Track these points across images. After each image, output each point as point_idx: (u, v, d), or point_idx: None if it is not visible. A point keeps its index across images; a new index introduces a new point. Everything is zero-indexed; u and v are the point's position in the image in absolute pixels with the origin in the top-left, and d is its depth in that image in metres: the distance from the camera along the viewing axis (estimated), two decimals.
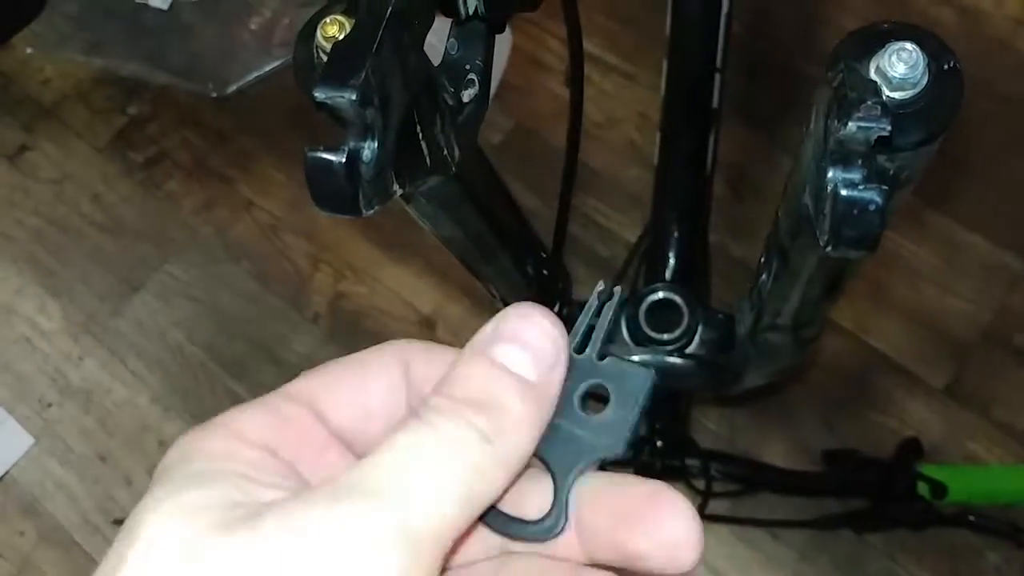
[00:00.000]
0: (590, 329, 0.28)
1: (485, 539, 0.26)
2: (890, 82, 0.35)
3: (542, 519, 0.25)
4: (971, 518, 1.01)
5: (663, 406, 1.00)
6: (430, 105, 0.41)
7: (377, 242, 1.26)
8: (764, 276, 0.59)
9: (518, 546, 0.26)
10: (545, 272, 0.70)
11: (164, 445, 1.19)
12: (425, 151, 0.42)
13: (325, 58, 0.41)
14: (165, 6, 1.41)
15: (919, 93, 0.35)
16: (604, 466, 0.27)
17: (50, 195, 1.36)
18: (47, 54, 1.44)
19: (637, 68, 1.30)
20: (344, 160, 0.35)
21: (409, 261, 1.25)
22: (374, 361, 0.28)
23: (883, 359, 1.12)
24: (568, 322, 0.73)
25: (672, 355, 0.85)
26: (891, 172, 0.35)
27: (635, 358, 0.85)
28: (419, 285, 1.24)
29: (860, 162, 0.34)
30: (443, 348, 0.28)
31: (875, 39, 0.35)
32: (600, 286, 0.29)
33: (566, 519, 0.25)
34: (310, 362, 1.20)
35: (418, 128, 0.40)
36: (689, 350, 0.85)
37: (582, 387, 0.26)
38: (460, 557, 0.26)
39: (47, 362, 1.27)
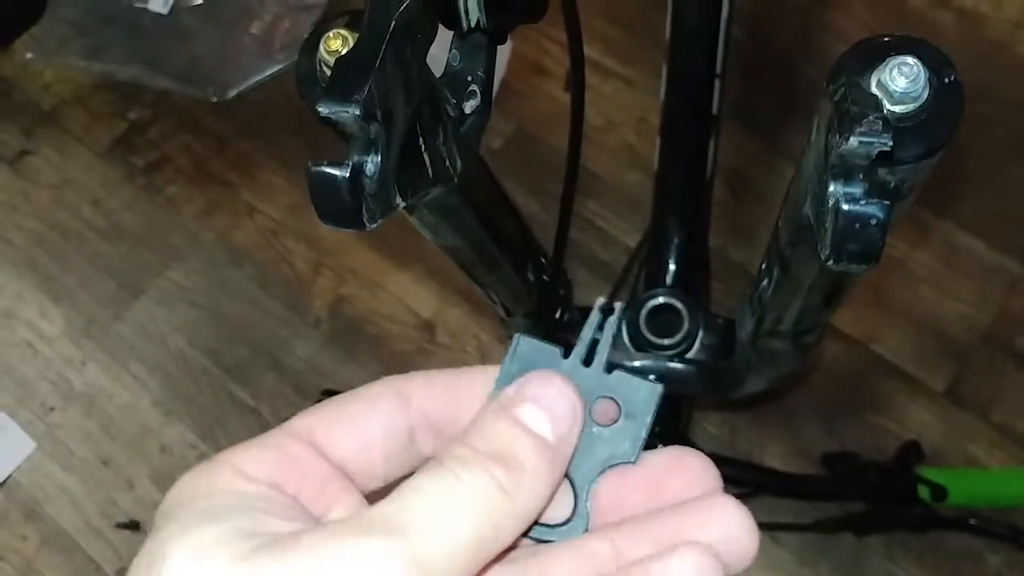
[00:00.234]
0: (594, 343, 0.29)
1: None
2: (891, 96, 0.35)
3: (564, 523, 0.27)
4: (972, 521, 1.01)
5: (664, 410, 1.00)
6: (432, 117, 0.41)
7: (378, 247, 1.26)
8: (764, 283, 0.59)
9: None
10: (546, 278, 0.70)
11: (166, 449, 1.20)
12: (427, 163, 0.42)
13: (328, 72, 0.41)
14: (165, 11, 1.41)
15: (920, 107, 0.35)
16: None
17: (51, 200, 1.36)
18: (47, 59, 1.44)
19: (636, 73, 1.30)
20: (348, 175, 0.35)
21: (409, 266, 1.25)
22: (370, 395, 0.28)
23: (883, 362, 1.12)
24: (570, 327, 0.73)
25: (673, 360, 0.85)
26: (892, 185, 0.35)
27: (636, 363, 0.85)
28: (419, 290, 1.24)
29: (861, 176, 0.34)
30: (439, 372, 0.29)
31: (876, 52, 0.36)
32: (601, 300, 0.30)
33: (587, 522, 0.27)
34: (311, 366, 1.21)
35: (421, 140, 0.41)
36: (690, 355, 0.85)
37: (593, 399, 0.28)
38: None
39: (49, 367, 1.27)
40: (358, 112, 0.34)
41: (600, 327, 0.29)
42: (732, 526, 0.26)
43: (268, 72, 1.37)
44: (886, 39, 0.36)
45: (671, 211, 0.94)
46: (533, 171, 1.25)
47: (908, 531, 1.02)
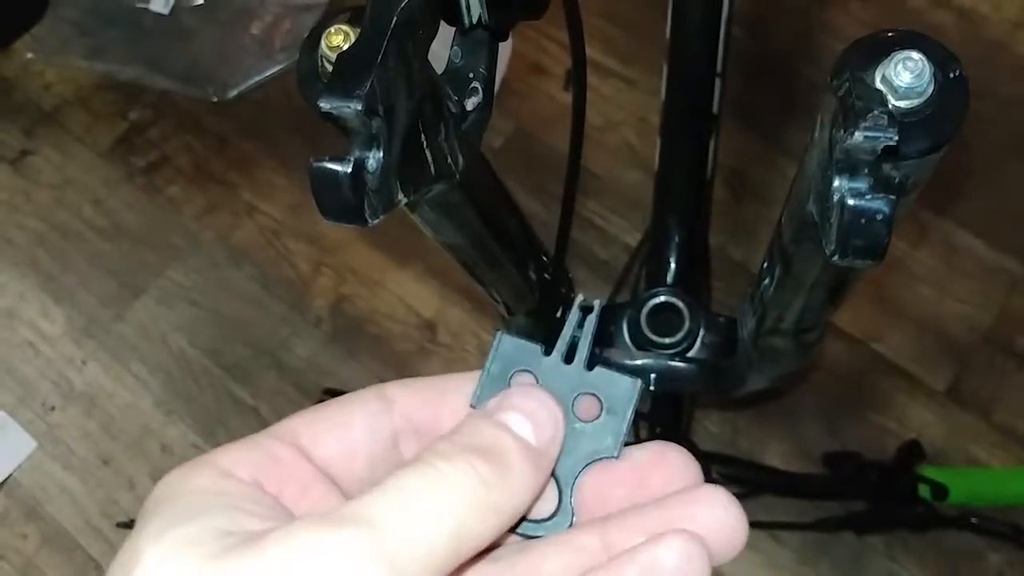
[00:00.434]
0: (575, 340, 0.29)
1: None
2: (896, 91, 0.35)
3: (550, 518, 0.27)
4: (973, 520, 1.01)
5: (664, 408, 1.01)
6: (434, 113, 0.41)
7: (378, 246, 1.26)
8: (767, 281, 0.59)
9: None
10: (547, 276, 0.70)
11: (166, 449, 1.20)
12: (429, 159, 0.42)
13: (330, 68, 0.41)
14: (166, 11, 1.41)
15: (925, 102, 0.35)
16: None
17: (51, 200, 1.37)
18: (48, 59, 1.44)
19: (636, 72, 1.30)
20: (350, 170, 0.35)
21: (410, 265, 1.25)
22: (354, 400, 0.29)
23: (884, 362, 1.12)
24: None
25: (674, 359, 0.85)
26: (896, 181, 0.35)
27: (637, 362, 0.85)
28: (420, 289, 1.24)
29: (866, 171, 0.34)
30: (423, 379, 0.30)
31: (880, 48, 0.35)
32: (580, 298, 0.30)
33: (572, 516, 0.27)
34: (312, 366, 1.21)
35: (422, 137, 0.41)
36: (691, 354, 0.85)
37: (574, 396, 0.28)
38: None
39: (50, 366, 1.27)
40: (360, 107, 0.34)
41: (580, 325, 0.29)
42: (719, 514, 0.26)
43: (268, 72, 1.37)
44: (890, 34, 0.36)
45: (672, 210, 0.94)
46: (532, 170, 1.25)
47: (909, 530, 1.02)
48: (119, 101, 1.41)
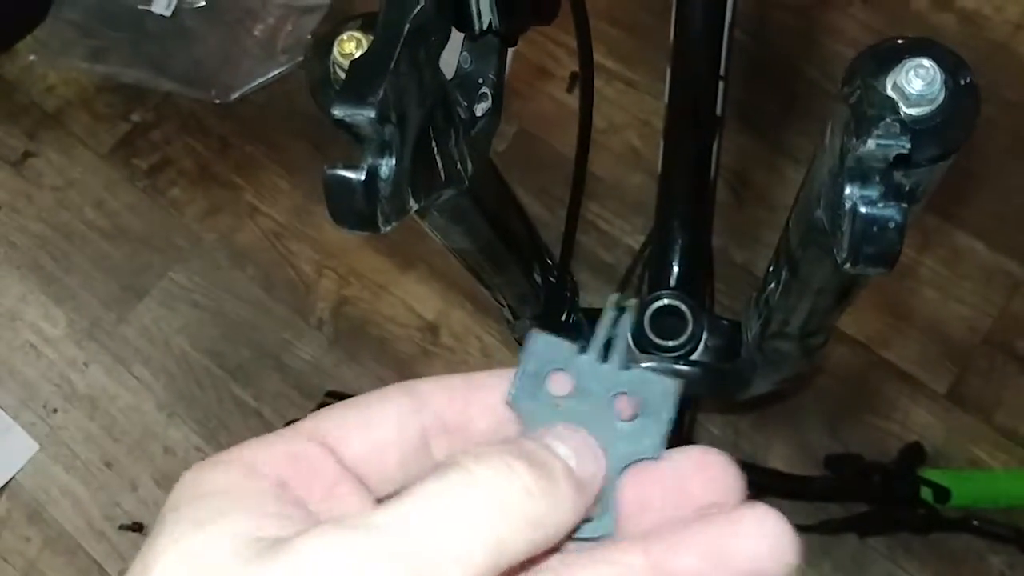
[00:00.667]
0: (609, 340, 0.28)
1: None
2: (907, 98, 0.35)
3: (592, 522, 0.26)
4: (974, 522, 1.01)
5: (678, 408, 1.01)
6: (445, 120, 0.42)
7: (381, 249, 1.26)
8: (772, 284, 0.59)
9: (572, 546, 0.26)
10: (552, 279, 0.71)
11: (169, 451, 1.20)
12: (440, 165, 0.42)
13: (342, 74, 0.41)
14: (168, 13, 1.41)
15: (936, 109, 0.35)
16: None
17: (54, 202, 1.37)
18: (50, 61, 1.44)
19: (639, 75, 1.30)
20: (363, 178, 0.35)
21: (413, 268, 1.25)
22: (384, 396, 0.28)
23: (886, 365, 1.12)
24: (578, 329, 0.73)
25: (677, 362, 0.85)
26: (907, 188, 0.36)
27: (643, 365, 0.85)
28: (423, 291, 1.24)
29: (878, 179, 0.34)
30: (455, 376, 0.28)
31: (891, 55, 0.36)
32: (615, 297, 0.29)
33: (614, 520, 0.26)
34: (314, 368, 1.21)
35: (433, 143, 0.41)
36: (694, 357, 0.85)
37: (611, 397, 0.27)
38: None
39: (52, 368, 1.27)
40: (373, 115, 0.34)
41: (614, 324, 0.28)
42: (774, 540, 0.24)
43: (271, 74, 1.37)
44: (900, 41, 0.36)
45: (675, 212, 0.94)
46: (535, 172, 1.25)
47: (911, 532, 1.02)
48: (121, 103, 1.41)
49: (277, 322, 1.25)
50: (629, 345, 0.28)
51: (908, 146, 0.33)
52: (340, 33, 0.41)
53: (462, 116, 0.44)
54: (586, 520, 0.26)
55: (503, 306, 0.73)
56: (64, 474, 1.21)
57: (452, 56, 0.44)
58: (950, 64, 0.36)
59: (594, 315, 0.88)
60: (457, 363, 1.20)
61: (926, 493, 0.99)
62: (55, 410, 1.25)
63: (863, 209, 0.34)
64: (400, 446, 0.27)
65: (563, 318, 0.76)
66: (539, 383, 0.28)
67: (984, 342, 1.12)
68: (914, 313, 1.14)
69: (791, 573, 0.24)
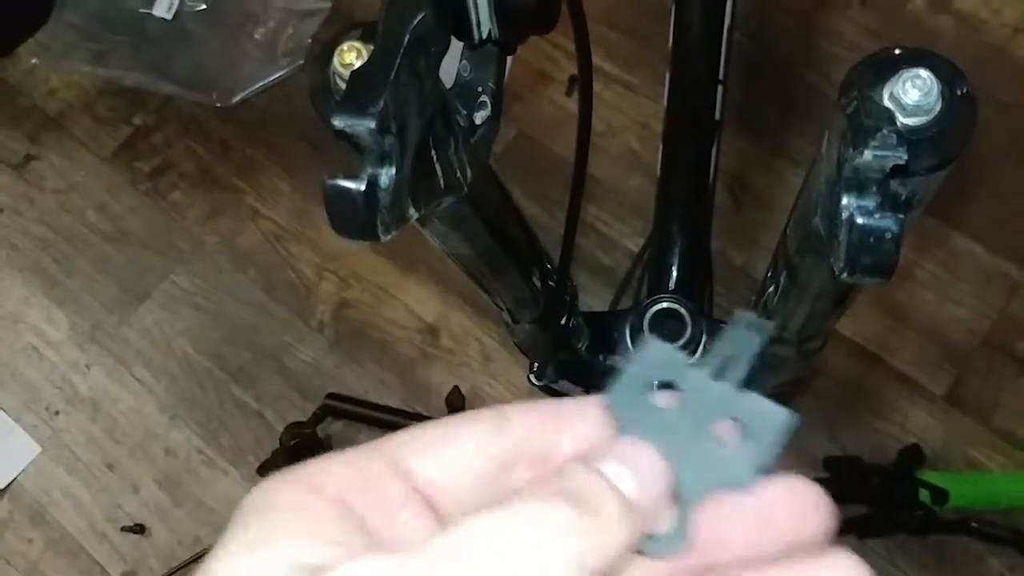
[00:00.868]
0: (728, 358, 0.26)
1: None
2: (904, 109, 0.35)
3: (665, 537, 0.24)
4: (973, 524, 1.01)
5: None
6: (444, 128, 0.42)
7: (381, 252, 1.27)
8: (771, 289, 0.60)
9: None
10: (551, 283, 0.71)
11: (170, 453, 1.20)
12: (439, 174, 0.42)
13: (342, 84, 0.42)
14: (169, 16, 1.42)
15: (933, 119, 0.35)
16: None
17: (56, 205, 1.37)
18: (52, 64, 1.45)
19: (637, 78, 1.31)
20: (363, 188, 0.35)
21: (413, 271, 1.25)
22: (467, 418, 0.27)
23: (884, 367, 1.13)
24: (577, 331, 0.73)
25: None
26: (904, 197, 0.36)
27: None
28: (422, 294, 1.24)
29: (875, 189, 0.34)
30: (546, 402, 0.27)
31: (888, 65, 0.36)
32: (745, 315, 0.27)
33: (688, 542, 0.24)
34: (315, 370, 1.21)
35: (433, 152, 0.41)
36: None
37: (718, 416, 0.25)
38: None
39: (54, 371, 1.27)
40: (374, 125, 0.35)
41: (739, 342, 0.26)
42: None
43: (272, 77, 1.37)
44: (897, 51, 0.36)
45: (674, 215, 0.95)
46: (534, 175, 1.26)
47: (909, 534, 1.02)
48: (123, 106, 1.42)
49: (278, 324, 1.26)
50: (752, 367, 0.26)
51: (905, 157, 0.33)
52: (340, 43, 0.42)
53: (461, 124, 0.44)
54: (661, 538, 0.24)
55: (503, 310, 0.74)
56: (66, 476, 1.22)
57: (451, 65, 0.45)
58: (947, 74, 0.36)
59: (593, 318, 0.88)
60: (457, 365, 1.20)
61: (924, 495, 0.99)
62: (57, 412, 1.25)
63: (860, 220, 0.34)
64: (477, 470, 0.26)
65: (562, 321, 0.77)
66: (642, 390, 0.26)
67: (982, 344, 1.13)
68: (912, 315, 1.15)
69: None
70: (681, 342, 0.86)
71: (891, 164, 0.34)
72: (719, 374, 0.25)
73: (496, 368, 1.20)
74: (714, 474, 0.25)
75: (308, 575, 0.22)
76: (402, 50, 0.36)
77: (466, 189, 0.46)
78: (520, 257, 0.65)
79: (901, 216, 0.35)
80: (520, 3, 0.42)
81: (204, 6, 1.42)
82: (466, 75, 0.46)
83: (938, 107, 0.35)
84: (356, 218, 0.36)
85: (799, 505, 0.24)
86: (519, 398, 1.18)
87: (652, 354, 0.26)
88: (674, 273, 0.92)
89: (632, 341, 0.87)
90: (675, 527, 0.24)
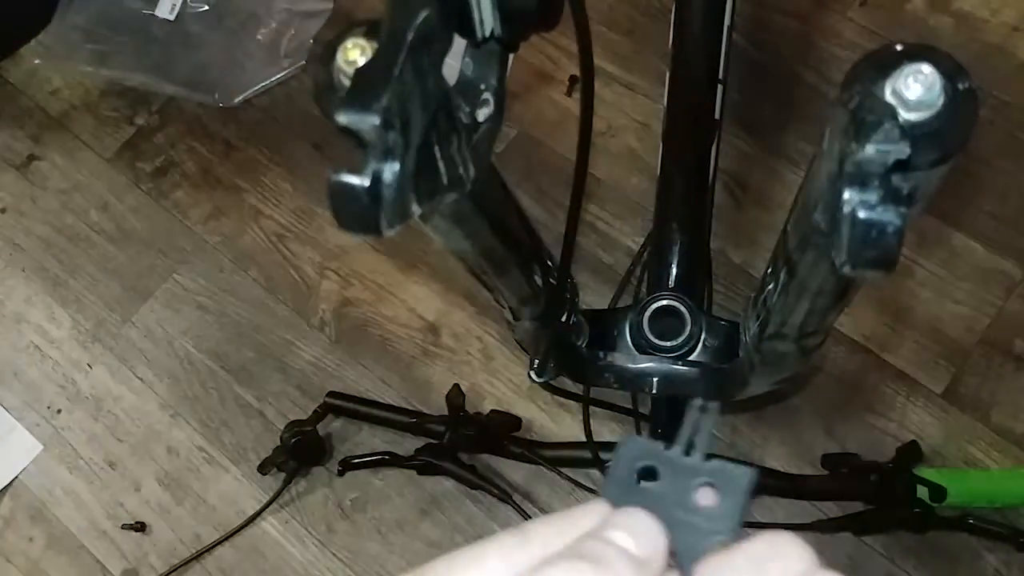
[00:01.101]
0: (693, 435, 0.32)
1: None
2: (906, 104, 0.35)
3: None
4: (970, 521, 1.02)
5: (665, 411, 1.02)
6: (447, 125, 0.42)
7: (382, 251, 1.27)
8: (771, 286, 0.60)
9: None
10: (552, 281, 0.71)
11: (172, 451, 1.21)
12: (442, 170, 0.43)
13: (346, 81, 0.42)
14: (172, 17, 1.42)
15: (935, 114, 0.35)
16: None
17: (59, 205, 1.38)
18: (55, 65, 1.45)
19: (637, 78, 1.31)
20: (368, 183, 0.35)
21: (414, 269, 1.26)
22: (490, 537, 0.29)
23: (882, 364, 1.13)
24: (577, 329, 0.74)
25: (676, 362, 0.86)
26: (906, 192, 0.36)
27: (639, 365, 0.86)
28: (423, 293, 1.25)
29: (877, 183, 0.34)
30: (559, 513, 0.30)
31: (890, 61, 0.36)
32: (697, 403, 0.32)
33: None
34: (316, 369, 1.22)
35: (436, 148, 0.42)
36: (692, 357, 0.86)
37: (694, 484, 0.30)
38: None
39: (56, 369, 1.28)
40: (378, 121, 0.35)
41: (697, 423, 0.32)
42: None
43: (274, 78, 1.38)
44: (899, 47, 0.36)
45: (673, 214, 0.95)
46: (535, 174, 1.26)
47: (907, 531, 1.03)
48: (126, 106, 1.42)
49: (279, 323, 1.26)
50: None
51: (907, 151, 0.34)
52: (344, 40, 0.42)
53: (464, 121, 0.45)
54: None
55: (504, 307, 0.74)
56: (67, 474, 1.22)
57: (455, 62, 0.45)
58: (949, 69, 0.36)
59: (593, 316, 0.89)
60: (458, 363, 1.21)
61: (922, 492, 1.00)
62: (59, 411, 1.26)
63: (862, 213, 0.35)
64: None
65: (563, 319, 0.77)
66: (630, 479, 0.31)
67: (981, 342, 1.13)
68: (911, 313, 1.15)
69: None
70: (681, 339, 0.86)
71: (893, 158, 0.34)
72: (688, 450, 0.31)
73: (497, 366, 1.20)
74: (702, 532, 0.29)
75: None
76: (406, 47, 0.37)
77: (469, 186, 0.46)
78: (521, 255, 0.65)
79: (903, 209, 0.35)
80: (523, 1, 0.42)
81: (207, 7, 1.42)
82: (469, 73, 0.46)
83: (940, 102, 0.36)
84: (360, 213, 0.36)
85: (783, 555, 0.28)
86: (520, 396, 1.18)
87: (631, 448, 0.31)
88: (674, 271, 0.92)
89: (631, 338, 0.88)
90: None
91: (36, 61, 1.46)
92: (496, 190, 0.56)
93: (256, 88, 1.38)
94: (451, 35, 0.41)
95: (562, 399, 1.08)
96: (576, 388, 0.98)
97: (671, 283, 0.91)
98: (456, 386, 1.11)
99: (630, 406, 1.01)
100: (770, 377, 0.78)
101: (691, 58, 0.95)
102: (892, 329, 1.15)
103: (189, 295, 1.29)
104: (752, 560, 0.28)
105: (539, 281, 0.70)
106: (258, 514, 1.15)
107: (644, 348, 0.87)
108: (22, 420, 1.26)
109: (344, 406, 1.16)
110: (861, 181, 0.35)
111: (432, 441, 1.10)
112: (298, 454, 1.13)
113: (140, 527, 1.18)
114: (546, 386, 0.85)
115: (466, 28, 0.43)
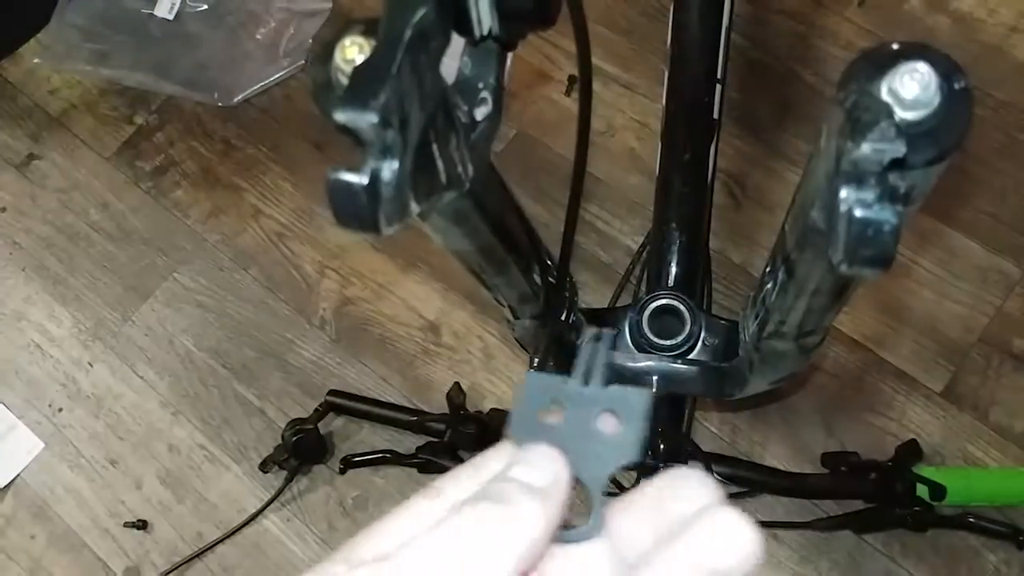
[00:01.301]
0: (590, 365, 0.32)
1: None
2: (902, 103, 0.35)
3: (580, 527, 0.29)
4: (970, 519, 1.02)
5: (666, 410, 1.02)
6: (445, 124, 0.42)
7: (382, 250, 1.27)
8: (769, 285, 0.60)
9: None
10: (552, 280, 0.72)
11: (173, 449, 1.21)
12: (440, 169, 0.43)
13: (344, 80, 0.42)
14: (171, 16, 1.43)
15: (931, 113, 0.35)
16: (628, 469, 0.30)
17: (58, 204, 1.38)
18: (54, 64, 1.45)
19: (636, 78, 1.31)
20: (366, 181, 0.36)
21: (414, 268, 1.26)
22: (401, 505, 0.30)
23: (882, 363, 1.13)
24: (576, 328, 0.74)
25: (675, 361, 0.86)
26: (902, 191, 0.36)
27: (639, 364, 0.86)
28: (424, 292, 1.25)
29: (873, 182, 0.35)
30: (463, 464, 0.31)
31: (886, 59, 0.36)
32: (591, 330, 0.33)
33: (603, 521, 0.29)
34: (317, 367, 1.22)
35: (434, 147, 0.42)
36: (692, 356, 0.86)
37: (595, 413, 0.31)
38: None
39: (57, 368, 1.28)
40: (376, 119, 0.35)
41: (593, 352, 0.32)
42: (734, 541, 0.27)
43: (273, 77, 1.38)
44: (895, 46, 0.37)
45: (673, 214, 0.95)
46: (534, 174, 1.26)
47: (907, 529, 1.03)
48: (125, 106, 1.43)
49: (280, 322, 1.27)
50: (606, 367, 0.32)
51: (903, 150, 0.34)
52: (342, 38, 0.42)
53: (463, 120, 0.45)
54: (579, 526, 0.29)
55: (503, 306, 0.74)
56: (69, 472, 1.23)
57: (453, 61, 0.45)
58: (945, 68, 0.36)
59: (593, 315, 0.89)
60: (458, 362, 1.21)
61: (922, 491, 1.00)
62: (60, 409, 1.26)
63: (858, 212, 0.35)
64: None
65: (563, 318, 0.77)
66: (533, 415, 0.31)
67: (980, 341, 1.13)
68: (910, 312, 1.15)
69: (758, 563, 0.27)
70: (680, 338, 0.86)
71: (889, 157, 0.34)
72: (586, 380, 0.32)
73: (497, 365, 1.20)
74: (607, 458, 0.30)
75: None
76: (404, 45, 0.37)
77: (467, 184, 0.46)
78: (521, 253, 0.65)
79: (899, 208, 0.35)
80: (520, 0, 0.43)
81: (206, 6, 1.43)
82: (467, 72, 0.46)
83: (936, 101, 0.36)
84: (358, 211, 0.36)
85: (683, 487, 0.29)
86: None
87: (531, 384, 0.32)
88: (673, 270, 0.93)
89: (631, 337, 0.88)
90: (590, 515, 0.29)
91: (35, 60, 1.46)
92: (495, 189, 0.57)
93: (255, 87, 1.38)
94: (449, 33, 0.41)
95: None
96: None
97: (670, 282, 0.91)
98: (457, 384, 1.11)
99: None
100: (769, 376, 0.78)
101: (690, 58, 0.95)
102: (892, 328, 1.15)
103: (189, 294, 1.30)
104: (654, 497, 0.29)
105: (538, 280, 0.70)
106: (259, 512, 1.16)
107: (643, 347, 0.87)
108: (23, 418, 1.26)
109: (345, 404, 1.16)
110: (857, 179, 0.35)
111: (433, 439, 1.10)
112: (299, 452, 1.13)
113: (142, 525, 1.19)
114: None
115: (464, 26, 0.43)
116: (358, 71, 0.37)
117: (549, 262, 0.72)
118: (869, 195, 0.35)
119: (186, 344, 1.27)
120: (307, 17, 1.41)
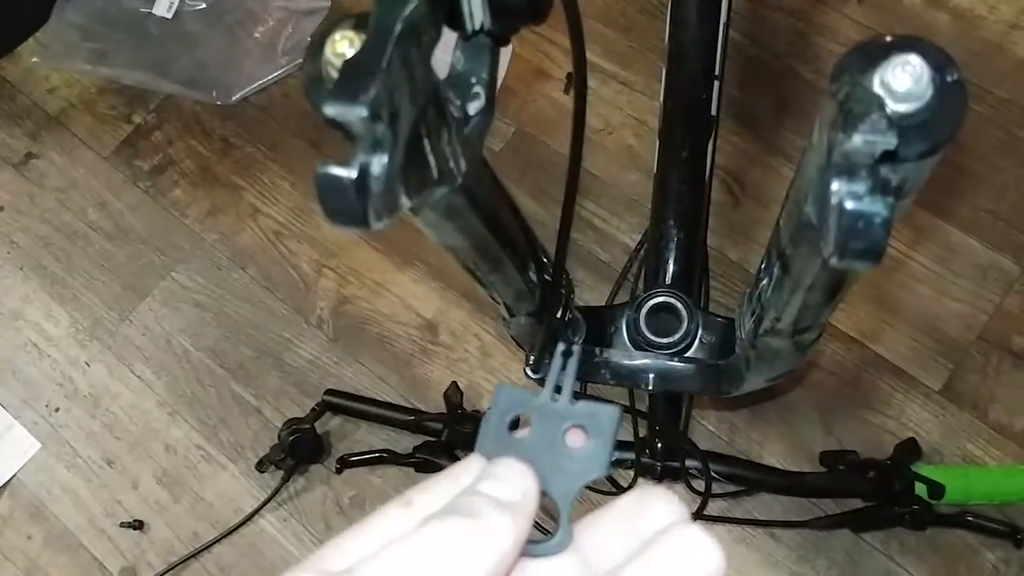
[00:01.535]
0: (559, 383, 0.33)
1: None
2: (894, 95, 0.35)
3: (550, 538, 0.29)
4: (969, 518, 1.01)
5: (663, 408, 1.02)
6: (437, 118, 0.42)
7: (380, 249, 1.27)
8: (764, 281, 0.60)
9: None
10: (547, 277, 0.71)
11: (170, 449, 1.21)
12: (432, 163, 0.43)
13: (335, 73, 0.42)
14: (170, 15, 1.42)
15: (923, 106, 0.35)
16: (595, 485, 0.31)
17: (56, 203, 1.38)
18: (53, 63, 1.45)
19: (634, 75, 1.31)
20: (355, 175, 0.35)
21: (411, 267, 1.26)
22: (373, 513, 0.30)
23: (880, 361, 1.13)
24: (573, 325, 0.74)
25: (672, 359, 0.86)
26: (894, 183, 0.36)
27: (636, 362, 0.86)
28: (421, 290, 1.25)
29: (864, 174, 0.34)
30: (435, 475, 0.31)
31: (879, 52, 0.36)
32: (561, 346, 0.34)
33: (569, 535, 0.29)
34: (314, 367, 1.22)
35: (425, 141, 0.41)
36: (689, 353, 0.86)
37: (564, 428, 0.31)
38: None
39: (54, 368, 1.28)
40: (365, 113, 0.35)
41: (563, 367, 0.33)
42: (700, 558, 0.27)
43: (271, 76, 1.38)
44: (888, 38, 0.36)
45: (670, 211, 0.95)
46: (532, 172, 1.26)
47: (905, 528, 1.02)
48: (123, 105, 1.43)
49: (277, 321, 1.26)
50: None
51: (895, 142, 0.34)
52: (333, 32, 0.42)
53: (455, 115, 0.45)
54: (547, 540, 0.29)
55: (498, 304, 0.74)
56: (65, 472, 1.22)
57: (445, 55, 0.45)
58: (938, 61, 0.36)
59: (590, 313, 0.89)
60: (455, 361, 1.21)
61: (921, 489, 0.99)
62: (57, 409, 1.26)
63: (849, 204, 0.34)
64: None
65: (559, 316, 0.77)
66: (504, 428, 0.32)
67: (979, 339, 1.13)
68: (909, 310, 1.15)
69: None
70: (677, 336, 0.86)
71: (880, 149, 0.34)
72: (556, 395, 0.32)
73: (495, 364, 1.20)
74: (575, 472, 0.30)
75: None
76: (394, 39, 0.37)
77: (459, 179, 0.46)
78: (516, 250, 0.65)
79: (890, 200, 0.35)
80: None
81: (204, 5, 1.43)
82: (459, 67, 0.46)
83: (928, 93, 0.35)
84: (347, 205, 0.36)
85: (653, 508, 0.29)
86: None
87: (502, 398, 0.32)
88: (670, 268, 0.92)
89: (628, 335, 0.87)
90: (557, 528, 0.29)
91: (34, 59, 1.46)
92: (488, 184, 0.56)
93: (254, 86, 1.38)
94: (440, 27, 0.41)
95: None
96: None
97: (668, 280, 0.91)
98: (454, 383, 1.11)
99: (627, 403, 1.01)
100: (766, 373, 0.77)
101: (688, 55, 0.95)
102: (890, 326, 1.15)
103: (187, 293, 1.29)
104: (621, 516, 0.30)
105: (534, 277, 0.69)
106: (256, 512, 1.15)
107: (640, 345, 0.87)
108: (20, 418, 1.26)
109: (342, 404, 1.16)
110: (849, 172, 0.35)
111: (430, 439, 1.10)
112: (296, 452, 1.13)
113: (138, 525, 1.18)
114: (542, 382, 0.85)
115: (456, 21, 0.43)
116: (348, 65, 0.37)
117: (545, 259, 0.72)
118: (860, 187, 0.35)
119: (183, 343, 1.27)
120: (305, 15, 1.41)
